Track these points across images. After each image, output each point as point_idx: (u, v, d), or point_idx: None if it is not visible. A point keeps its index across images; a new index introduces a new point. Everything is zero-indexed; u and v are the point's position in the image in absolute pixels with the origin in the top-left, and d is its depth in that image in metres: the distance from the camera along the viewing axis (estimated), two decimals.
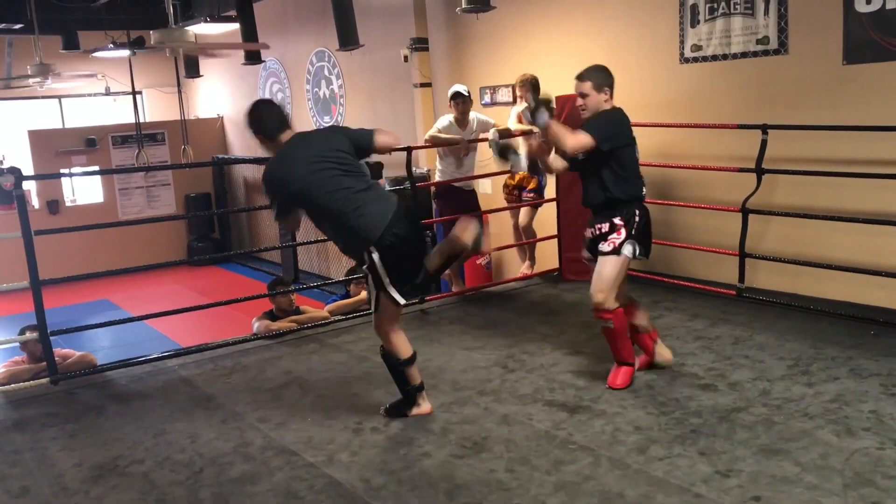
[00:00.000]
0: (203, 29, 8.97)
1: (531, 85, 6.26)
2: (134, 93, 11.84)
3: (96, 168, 12.71)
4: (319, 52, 10.65)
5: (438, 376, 4.50)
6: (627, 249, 3.94)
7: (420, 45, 8.53)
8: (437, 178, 6.51)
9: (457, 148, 6.18)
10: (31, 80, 10.53)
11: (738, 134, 5.58)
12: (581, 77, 4.01)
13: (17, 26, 8.46)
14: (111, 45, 9.73)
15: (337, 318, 5.81)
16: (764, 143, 5.25)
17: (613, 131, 3.95)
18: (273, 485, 3.32)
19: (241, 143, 13.53)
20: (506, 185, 6.72)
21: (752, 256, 5.51)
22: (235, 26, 8.82)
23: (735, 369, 4.30)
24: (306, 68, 11.02)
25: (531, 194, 6.59)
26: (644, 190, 4.08)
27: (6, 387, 4.80)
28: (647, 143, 6.27)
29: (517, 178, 6.61)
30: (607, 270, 3.95)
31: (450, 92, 6.24)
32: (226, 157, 13.56)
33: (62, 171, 12.34)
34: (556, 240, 6.57)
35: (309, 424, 3.94)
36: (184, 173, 13.59)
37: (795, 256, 5.38)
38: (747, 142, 5.41)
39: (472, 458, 3.45)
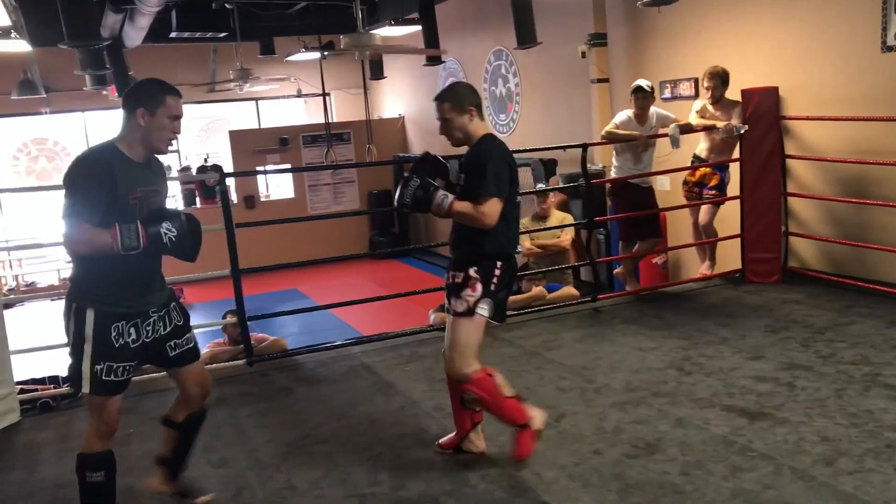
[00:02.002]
0: (387, 32, 9.31)
1: (721, 78, 6.03)
2: (324, 94, 12.48)
3: (288, 166, 13.55)
4: (497, 51, 10.78)
5: (610, 375, 4.46)
6: (483, 309, 3.26)
7: (598, 40, 8.44)
8: (612, 174, 6.43)
9: (635, 144, 6.07)
10: (232, 84, 11.40)
11: None
12: (438, 98, 3.38)
13: (222, 35, 9.19)
14: (303, 50, 10.32)
15: (509, 312, 5.88)
16: None
17: (505, 176, 3.30)
18: (447, 472, 3.43)
19: (421, 141, 13.94)
20: (685, 182, 6.53)
21: None
22: (418, 28, 9.11)
23: None
24: (484, 67, 11.19)
25: (712, 191, 6.36)
26: (518, 247, 3.54)
27: (208, 366, 5.25)
28: (841, 137, 5.91)
29: (697, 174, 6.40)
30: (461, 335, 3.26)
31: (631, 87, 6.14)
32: (406, 155, 14.01)
33: (258, 168, 13.25)
34: (738, 239, 6.32)
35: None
36: (367, 171, 14.19)
37: None
38: None
39: (644, 458, 3.41)
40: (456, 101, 3.33)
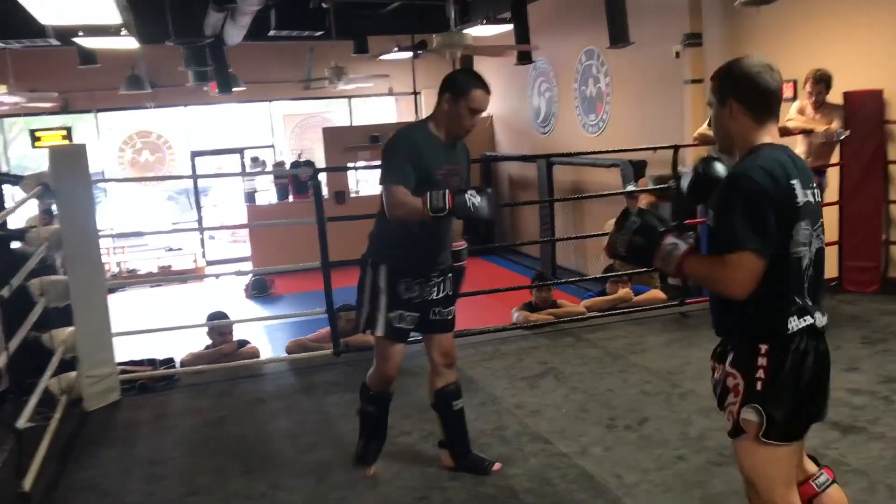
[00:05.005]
0: (479, 31, 9.36)
1: (825, 83, 5.80)
2: (415, 93, 12.63)
3: (379, 162, 13.76)
4: (588, 51, 10.69)
5: (696, 381, 4.38)
6: (751, 416, 2.16)
7: (693, 40, 8.28)
8: None
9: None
10: (326, 82, 11.67)
11: None
12: (713, 78, 2.28)
13: (318, 34, 9.42)
14: (396, 49, 10.48)
15: (593, 314, 5.85)
16: None
17: (757, 221, 2.05)
18: (527, 469, 3.46)
19: (508, 141, 13.95)
20: None
21: None
22: (509, 27, 9.12)
23: None
24: (575, 67, 11.11)
25: None
26: (798, 321, 2.17)
27: (296, 355, 5.39)
28: None
29: None
30: (744, 465, 2.26)
31: None
32: (494, 154, 14.05)
33: (349, 164, 13.50)
34: (835, 247, 6.09)
35: (563, 415, 4.03)
36: None
37: None
38: None
39: (729, 466, 3.33)
40: (718, 83, 2.25)
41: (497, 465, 3.47)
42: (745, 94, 2.17)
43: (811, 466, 2.42)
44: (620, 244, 2.29)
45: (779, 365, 2.16)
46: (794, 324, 2.16)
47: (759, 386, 2.15)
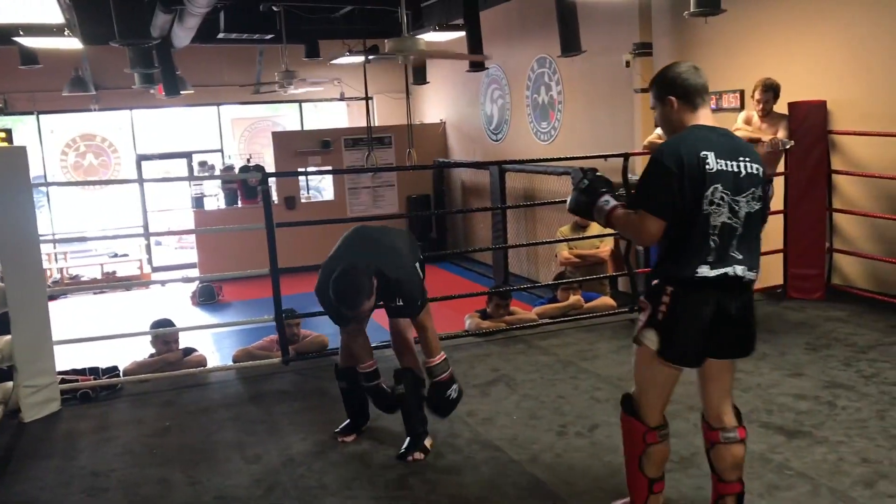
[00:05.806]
0: (432, 37, 9.35)
1: (773, 91, 5.91)
2: (367, 98, 12.57)
3: (329, 168, 13.65)
4: (541, 59, 10.76)
5: None
6: (647, 338, 2.73)
7: (643, 49, 8.38)
8: None
9: None
10: (276, 86, 11.53)
11: None
12: (651, 84, 2.89)
13: (268, 37, 9.31)
14: (348, 53, 10.40)
15: (545, 321, 5.86)
16: None
17: (666, 184, 2.64)
18: (478, 478, 3.43)
19: (461, 147, 13.96)
20: None
21: None
22: (462, 34, 9.13)
23: None
24: (527, 75, 11.17)
25: None
26: (700, 271, 2.63)
27: (242, 363, 5.29)
28: (891, 153, 5.78)
29: None
30: (635, 368, 2.84)
31: None
32: (446, 160, 14.05)
33: (300, 169, 13.37)
34: (780, 254, 6.21)
35: (514, 422, 4.02)
36: (407, 175, 14.20)
37: None
38: None
39: (678, 472, 3.36)
40: (654, 88, 2.84)
41: (413, 456, 3.64)
42: (680, 90, 2.75)
43: (729, 420, 2.82)
44: (571, 200, 2.97)
45: (676, 306, 2.69)
46: (705, 272, 2.64)
47: (659, 316, 2.71)
